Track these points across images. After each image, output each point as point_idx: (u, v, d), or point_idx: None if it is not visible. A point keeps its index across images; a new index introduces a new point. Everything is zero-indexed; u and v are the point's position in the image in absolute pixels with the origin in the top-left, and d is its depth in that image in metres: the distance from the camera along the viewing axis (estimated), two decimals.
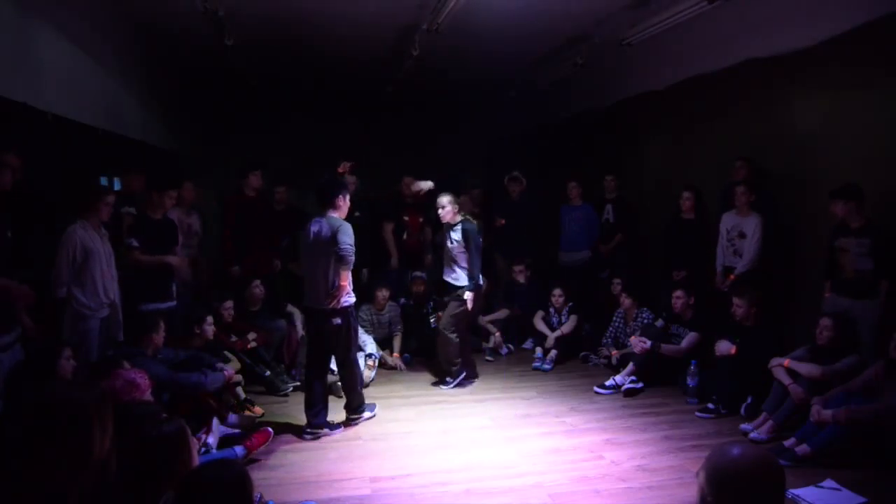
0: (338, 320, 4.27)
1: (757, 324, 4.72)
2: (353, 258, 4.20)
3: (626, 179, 7.05)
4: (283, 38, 6.30)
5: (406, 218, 6.78)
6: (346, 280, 4.23)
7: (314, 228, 4.27)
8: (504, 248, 7.08)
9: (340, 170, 5.17)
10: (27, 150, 3.76)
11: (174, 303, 4.89)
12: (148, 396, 3.13)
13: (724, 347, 4.69)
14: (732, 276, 5.21)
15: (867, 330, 4.17)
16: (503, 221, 7.01)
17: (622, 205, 6.93)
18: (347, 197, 4.38)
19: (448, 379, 5.33)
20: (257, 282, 5.66)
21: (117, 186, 5.74)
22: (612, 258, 6.89)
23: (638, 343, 5.22)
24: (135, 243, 4.61)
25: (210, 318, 4.69)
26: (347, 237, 4.16)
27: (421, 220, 6.86)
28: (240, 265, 5.99)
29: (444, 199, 5.18)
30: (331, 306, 4.21)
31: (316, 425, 4.30)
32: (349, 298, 4.31)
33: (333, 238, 4.15)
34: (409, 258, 6.79)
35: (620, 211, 6.91)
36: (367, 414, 4.57)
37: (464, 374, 5.35)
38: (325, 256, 4.20)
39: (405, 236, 6.81)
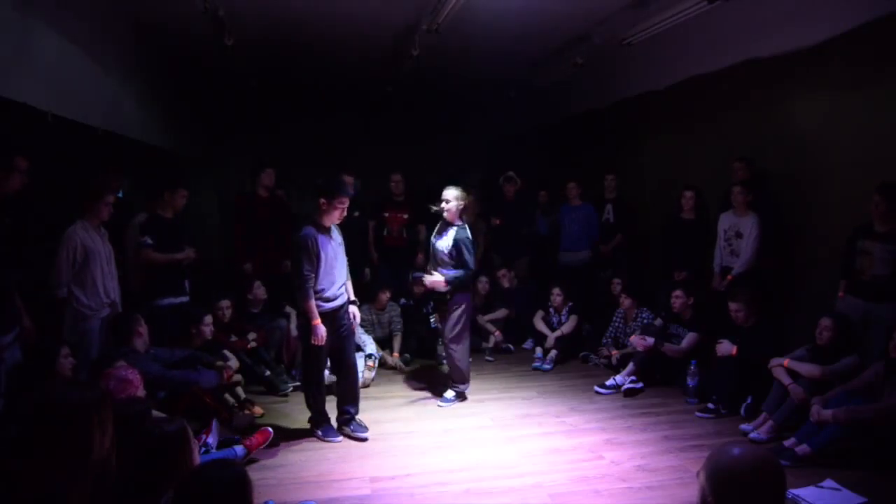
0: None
1: (756, 324, 4.71)
2: (302, 287, 3.93)
3: (626, 179, 7.05)
4: (283, 38, 6.29)
5: (386, 214, 6.73)
6: (308, 308, 3.97)
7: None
8: (500, 248, 7.08)
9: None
10: (27, 150, 3.76)
11: (187, 297, 5.03)
12: (141, 392, 3.13)
13: (726, 348, 4.68)
14: (730, 277, 5.20)
15: (881, 333, 3.97)
16: (498, 221, 7.01)
17: (622, 205, 6.93)
18: (334, 200, 3.95)
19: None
20: (259, 282, 5.66)
21: None
22: (613, 258, 6.89)
23: (640, 341, 5.22)
24: (149, 241, 4.71)
25: (208, 319, 4.69)
26: (294, 259, 3.93)
27: (405, 216, 6.79)
28: (252, 263, 5.98)
29: (450, 194, 4.70)
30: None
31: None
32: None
33: None
34: (391, 256, 6.72)
35: (620, 211, 6.91)
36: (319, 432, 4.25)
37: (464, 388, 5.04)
38: None
39: (385, 233, 6.77)
